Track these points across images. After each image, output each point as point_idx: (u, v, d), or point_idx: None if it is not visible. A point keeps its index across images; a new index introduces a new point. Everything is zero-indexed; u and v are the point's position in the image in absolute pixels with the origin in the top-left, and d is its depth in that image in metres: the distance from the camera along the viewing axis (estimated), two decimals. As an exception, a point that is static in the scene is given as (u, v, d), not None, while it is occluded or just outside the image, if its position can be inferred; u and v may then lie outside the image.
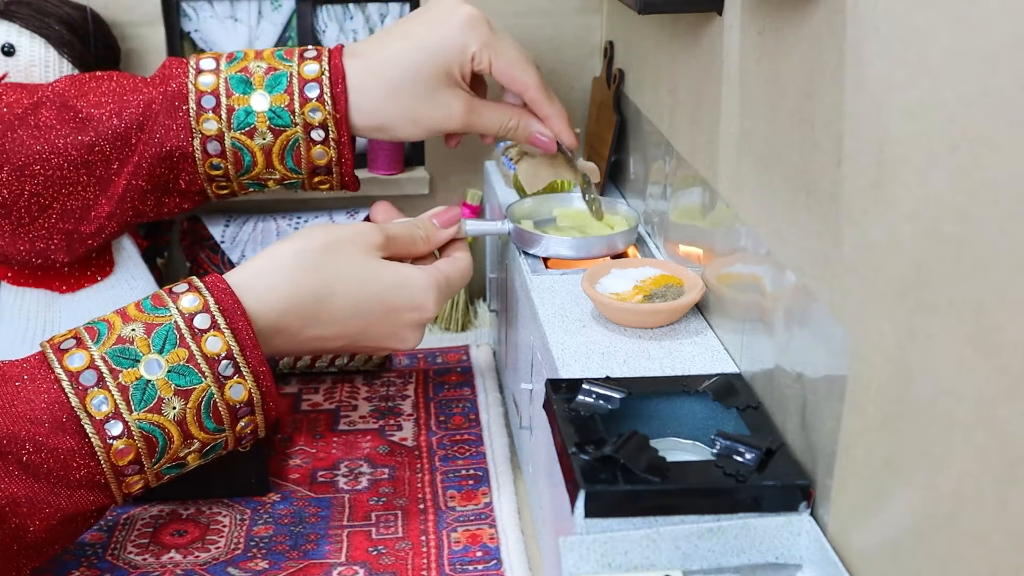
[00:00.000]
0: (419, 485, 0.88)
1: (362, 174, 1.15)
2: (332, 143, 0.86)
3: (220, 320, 0.70)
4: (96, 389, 0.67)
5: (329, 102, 0.85)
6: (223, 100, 0.85)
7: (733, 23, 0.70)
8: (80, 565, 0.79)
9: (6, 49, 1.00)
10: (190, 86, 0.85)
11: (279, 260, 0.75)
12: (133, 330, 0.69)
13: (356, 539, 0.82)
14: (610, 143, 1.02)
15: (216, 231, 1.13)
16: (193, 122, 0.84)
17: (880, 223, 0.49)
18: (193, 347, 0.69)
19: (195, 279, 0.73)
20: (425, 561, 0.79)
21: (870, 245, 0.50)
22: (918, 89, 0.45)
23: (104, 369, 0.67)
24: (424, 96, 0.87)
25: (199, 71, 0.86)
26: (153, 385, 0.68)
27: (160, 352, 0.69)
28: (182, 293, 0.71)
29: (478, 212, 1.09)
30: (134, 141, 0.85)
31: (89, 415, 0.66)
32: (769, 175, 0.64)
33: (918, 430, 0.46)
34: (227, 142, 0.85)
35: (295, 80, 0.85)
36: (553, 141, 0.93)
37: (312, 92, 0.85)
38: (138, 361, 0.68)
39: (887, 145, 0.48)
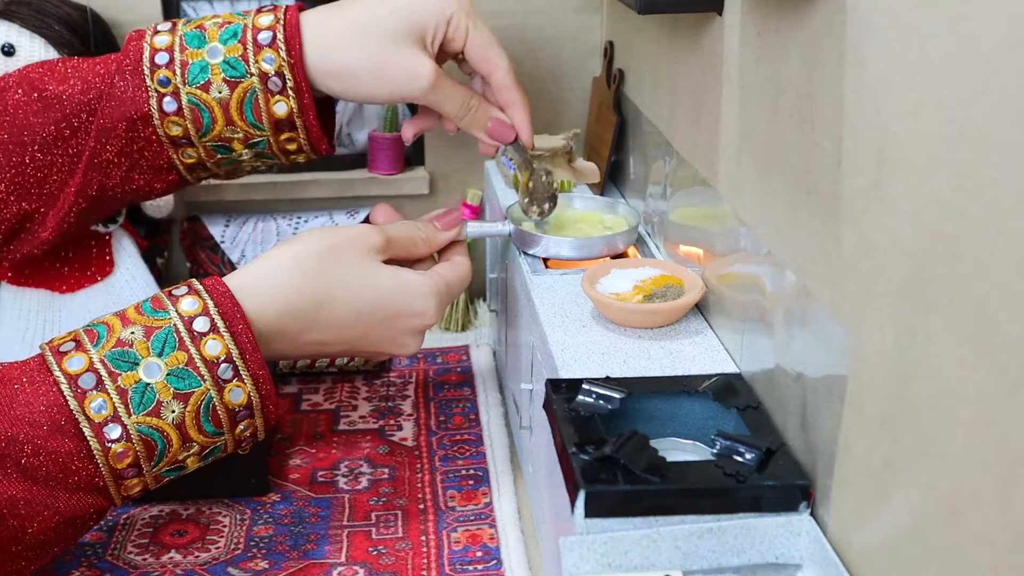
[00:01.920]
0: (419, 485, 0.88)
1: (362, 174, 1.15)
2: (291, 92, 0.82)
3: (219, 323, 0.70)
4: (95, 392, 0.67)
5: (283, 48, 0.82)
6: (177, 55, 0.83)
7: (733, 23, 0.70)
8: (80, 565, 0.79)
9: (6, 49, 1.00)
10: (145, 46, 0.83)
11: (279, 263, 0.75)
12: (132, 333, 0.69)
13: (356, 539, 0.82)
14: (610, 143, 1.02)
15: (216, 231, 1.13)
16: (148, 80, 0.82)
17: (880, 223, 0.49)
18: (192, 350, 0.69)
19: (195, 282, 0.72)
20: (425, 561, 0.79)
21: (870, 245, 0.50)
22: (918, 89, 0.45)
23: (103, 372, 0.67)
24: (390, 49, 0.83)
25: (155, 32, 0.84)
26: (152, 388, 0.68)
27: (159, 355, 0.68)
28: (182, 296, 0.71)
29: (478, 212, 1.09)
30: (96, 110, 0.83)
31: (88, 418, 0.66)
32: (769, 175, 0.64)
33: (918, 430, 0.46)
34: (183, 98, 0.82)
35: (249, 31, 0.83)
36: (511, 130, 0.90)
37: (265, 38, 0.82)
38: (137, 364, 0.68)
39: (887, 145, 0.48)
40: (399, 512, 0.85)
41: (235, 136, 0.85)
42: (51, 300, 1.00)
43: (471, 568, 0.78)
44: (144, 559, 0.80)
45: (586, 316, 0.79)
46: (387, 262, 0.80)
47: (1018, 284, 0.39)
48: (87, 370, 0.67)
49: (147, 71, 0.82)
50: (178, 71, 0.82)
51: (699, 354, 0.73)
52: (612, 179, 1.06)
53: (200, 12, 1.12)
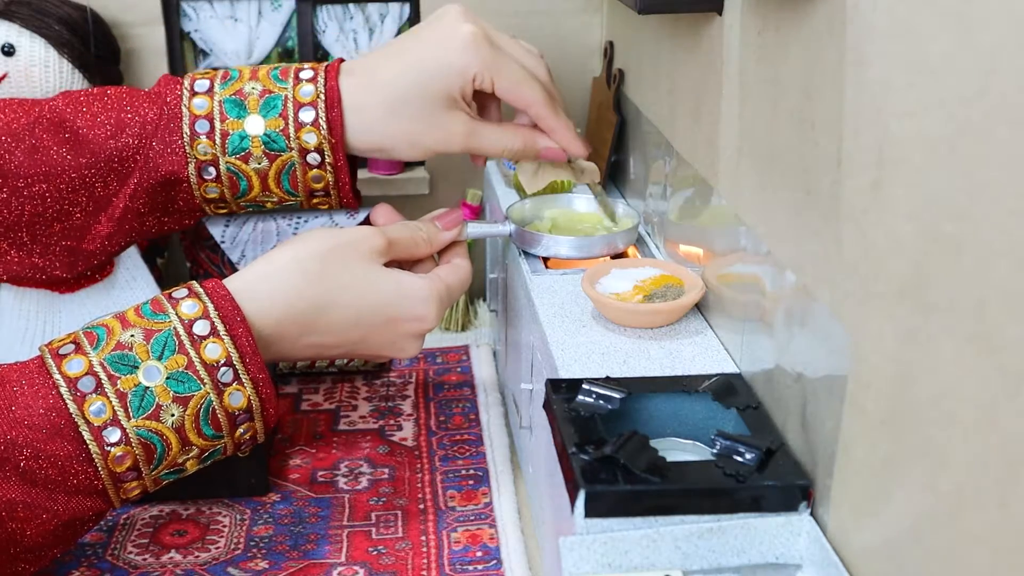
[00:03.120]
0: (419, 485, 0.88)
1: (362, 174, 1.15)
2: (328, 167, 0.85)
3: (220, 327, 0.70)
4: (94, 395, 0.67)
5: (324, 127, 0.83)
6: (217, 124, 0.83)
7: (733, 23, 0.70)
8: (80, 565, 0.79)
9: (6, 49, 1.00)
10: (184, 110, 0.83)
11: (280, 266, 0.75)
12: (132, 336, 0.69)
13: (356, 539, 0.82)
14: (610, 143, 1.02)
15: (216, 231, 1.13)
16: (187, 147, 0.83)
17: (880, 223, 0.49)
18: (192, 354, 0.69)
19: (195, 284, 0.72)
20: (425, 561, 0.79)
21: (870, 245, 0.50)
22: (918, 89, 0.45)
23: (103, 375, 0.67)
24: (423, 118, 0.85)
25: (193, 93, 0.84)
26: (152, 392, 0.68)
27: (159, 358, 0.68)
28: (182, 299, 0.71)
29: (478, 212, 1.09)
30: (130, 164, 0.84)
31: (87, 422, 0.66)
32: (769, 175, 0.64)
33: (918, 430, 0.46)
34: (222, 167, 0.84)
35: (290, 104, 0.84)
36: (562, 153, 0.91)
37: (307, 116, 0.83)
38: (137, 367, 0.68)
39: (887, 145, 0.48)
40: (399, 512, 0.85)
41: (269, 199, 0.88)
42: (51, 300, 0.99)
43: (471, 568, 0.78)
44: (144, 559, 0.80)
45: (586, 316, 0.79)
46: (389, 264, 0.80)
47: (1018, 284, 0.39)
48: (86, 373, 0.67)
49: (187, 139, 0.83)
50: (218, 140, 0.83)
51: (699, 354, 0.73)
52: (612, 179, 1.06)
53: (200, 12, 1.12)
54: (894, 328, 0.48)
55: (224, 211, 0.89)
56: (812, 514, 0.58)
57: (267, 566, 0.79)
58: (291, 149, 0.84)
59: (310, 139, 0.83)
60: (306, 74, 0.85)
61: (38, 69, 1.01)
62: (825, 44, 0.55)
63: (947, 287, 0.43)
